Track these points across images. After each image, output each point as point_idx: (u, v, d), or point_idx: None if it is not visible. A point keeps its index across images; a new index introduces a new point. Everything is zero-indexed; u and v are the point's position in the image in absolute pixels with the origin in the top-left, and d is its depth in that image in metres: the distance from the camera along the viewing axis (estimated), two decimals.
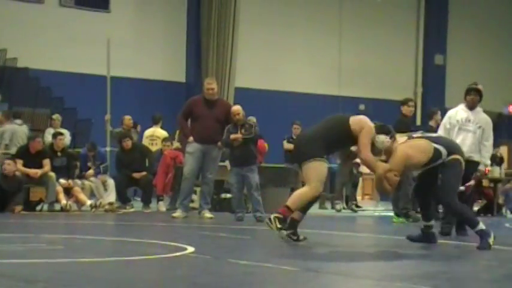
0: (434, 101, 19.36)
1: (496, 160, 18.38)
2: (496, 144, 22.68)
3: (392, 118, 18.19)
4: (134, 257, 6.07)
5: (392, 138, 7.48)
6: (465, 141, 8.87)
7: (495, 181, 15.10)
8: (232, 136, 10.70)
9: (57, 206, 12.39)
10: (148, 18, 19.57)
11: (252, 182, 10.80)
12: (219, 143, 10.99)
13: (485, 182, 15.26)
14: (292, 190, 14.10)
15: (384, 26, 22.13)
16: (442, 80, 22.48)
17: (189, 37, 19.91)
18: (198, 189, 12.06)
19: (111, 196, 12.77)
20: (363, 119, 7.53)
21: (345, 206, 15.19)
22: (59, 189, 12.28)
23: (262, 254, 6.87)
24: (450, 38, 22.88)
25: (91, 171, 12.93)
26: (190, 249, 6.56)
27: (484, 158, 8.97)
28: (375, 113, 20.68)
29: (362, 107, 20.88)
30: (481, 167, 8.99)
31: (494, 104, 23.46)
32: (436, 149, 7.51)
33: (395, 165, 7.36)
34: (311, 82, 21.09)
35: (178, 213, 11.11)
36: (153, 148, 14.43)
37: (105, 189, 12.79)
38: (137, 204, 13.75)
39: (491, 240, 7.44)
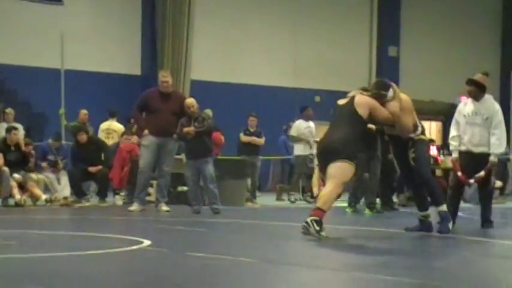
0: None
1: (448, 150, 18.67)
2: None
3: None
4: (90, 251, 6.03)
5: (392, 89, 7.74)
6: (474, 137, 8.78)
7: (448, 170, 15.31)
8: (185, 129, 10.74)
9: (11, 201, 12.25)
10: (102, 10, 19.38)
11: (207, 174, 10.82)
12: (175, 136, 10.99)
13: (438, 172, 15.49)
14: (250, 182, 14.21)
15: (338, 18, 22.25)
16: (395, 71, 22.68)
17: (144, 30, 19.78)
18: (154, 182, 12.02)
19: (65, 190, 12.67)
20: (363, 101, 7.56)
21: (301, 197, 15.29)
22: (13, 184, 12.14)
23: (219, 246, 6.89)
24: (403, 29, 23.10)
25: (44, 164, 12.84)
26: (147, 242, 6.55)
27: (493, 147, 8.68)
28: (330, 104, 20.89)
29: (318, 98, 20.99)
30: (492, 158, 8.71)
31: (446, 94, 23.82)
32: (417, 122, 7.96)
33: (407, 106, 7.78)
34: (267, 74, 21.12)
35: (134, 207, 11.07)
36: (109, 142, 14.33)
37: (59, 183, 12.70)
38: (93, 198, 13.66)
39: (451, 225, 7.69)
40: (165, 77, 11.21)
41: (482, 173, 8.71)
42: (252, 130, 14.71)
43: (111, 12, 19.41)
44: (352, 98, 7.65)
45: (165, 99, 11.03)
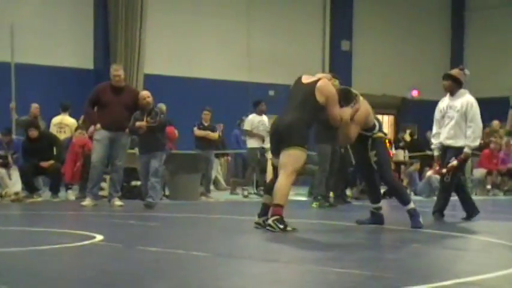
0: (341, 86, 19.65)
1: (400, 143, 18.91)
2: (401, 128, 23.35)
3: None
4: (42, 246, 5.98)
5: (356, 101, 7.86)
6: (445, 129, 8.96)
7: (399, 164, 15.52)
8: (137, 124, 10.75)
9: None
10: (54, 3, 19.13)
11: (152, 167, 10.81)
12: (127, 130, 10.95)
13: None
14: (203, 176, 14.21)
15: (292, 12, 22.32)
16: (348, 66, 22.88)
17: (96, 23, 19.58)
18: (107, 177, 11.95)
19: (16, 186, 12.50)
20: (325, 89, 7.54)
21: (255, 191, 15.33)
22: None
23: (172, 240, 6.89)
24: (356, 24, 23.30)
25: None
26: (100, 237, 6.52)
27: (469, 140, 8.83)
28: (284, 98, 20.95)
29: (272, 92, 21.04)
30: (466, 150, 8.85)
31: (398, 88, 24.12)
32: (374, 122, 8.08)
33: (360, 119, 7.83)
34: (221, 68, 21.11)
35: (87, 202, 10.99)
36: (61, 136, 14.18)
37: (10, 179, 12.54)
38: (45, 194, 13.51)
39: (421, 219, 7.82)
40: (116, 70, 11.14)
41: (454, 162, 8.84)
42: (205, 124, 14.69)
43: (62, 4, 19.18)
44: (317, 80, 7.61)
45: (117, 93, 10.97)
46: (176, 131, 15.23)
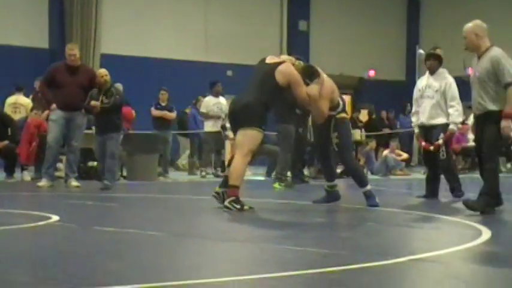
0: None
1: (356, 123, 19.07)
2: (357, 108, 23.53)
3: None
4: None
5: (318, 76, 7.78)
6: (426, 108, 9.03)
7: (356, 144, 15.65)
8: (92, 103, 10.64)
9: None
10: None
11: (108, 149, 10.75)
12: (83, 110, 10.86)
13: None
14: (161, 157, 14.16)
15: None
16: (306, 46, 22.93)
17: (51, 1, 19.32)
18: (63, 157, 11.84)
19: None
20: (287, 72, 7.53)
21: (212, 172, 15.33)
22: None
23: (129, 220, 6.88)
24: (313, 4, 23.35)
25: None
26: (55, 218, 6.47)
27: (452, 117, 8.94)
28: (242, 78, 20.96)
29: (230, 73, 21.01)
30: (451, 126, 8.96)
31: (355, 69, 24.27)
32: (338, 100, 8.07)
33: (327, 93, 7.79)
34: (178, 48, 21.00)
35: (43, 183, 10.89)
36: (16, 116, 14.01)
37: None
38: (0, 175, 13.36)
39: (377, 199, 7.90)
40: (72, 49, 11.02)
41: (440, 141, 8.93)
42: (163, 104, 14.62)
43: None
44: (280, 63, 7.62)
45: (72, 73, 10.85)
46: (133, 111, 15.13)
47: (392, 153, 16.78)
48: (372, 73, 24.70)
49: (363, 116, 21.51)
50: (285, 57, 7.99)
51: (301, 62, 7.96)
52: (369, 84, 24.54)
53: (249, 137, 7.40)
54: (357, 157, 15.49)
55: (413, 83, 19.49)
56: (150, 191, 10.92)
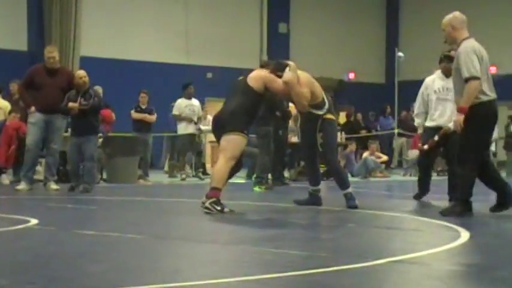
0: None
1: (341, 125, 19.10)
2: (337, 110, 23.59)
3: None
4: None
5: (288, 67, 7.77)
6: (445, 112, 8.83)
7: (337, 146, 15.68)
8: (70, 104, 10.55)
9: None
10: None
11: (87, 152, 10.67)
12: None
13: None
14: (141, 159, 14.11)
15: None
16: (286, 48, 22.98)
17: (30, 3, 19.20)
18: (43, 160, 11.77)
19: None
20: (257, 76, 7.60)
21: (193, 174, 15.30)
22: None
23: (109, 223, 6.85)
24: (293, 6, 23.40)
25: None
26: (34, 221, 6.43)
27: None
28: (222, 81, 20.95)
29: (210, 75, 21.00)
30: (450, 124, 8.47)
31: (335, 71, 24.34)
32: (323, 98, 7.98)
33: (304, 81, 7.77)
34: (159, 51, 20.96)
35: (22, 186, 10.81)
36: None
37: None
38: None
39: (357, 202, 8.00)
40: (50, 52, 10.97)
41: (436, 138, 8.79)
42: (143, 107, 14.57)
43: None
44: (249, 72, 7.75)
45: (51, 75, 10.79)
46: (113, 114, 15.07)
47: (372, 155, 16.84)
48: (351, 75, 24.80)
49: (342, 118, 21.57)
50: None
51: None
52: (349, 86, 24.62)
53: (232, 142, 7.43)
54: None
55: (393, 86, 19.77)
56: (130, 193, 10.88)
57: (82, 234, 5.78)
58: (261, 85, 7.58)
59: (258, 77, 7.64)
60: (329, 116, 8.07)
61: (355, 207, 7.93)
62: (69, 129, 11.25)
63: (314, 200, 8.33)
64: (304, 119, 8.22)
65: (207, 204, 7.33)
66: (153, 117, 14.57)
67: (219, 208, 7.28)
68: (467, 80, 6.95)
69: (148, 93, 14.89)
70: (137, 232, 5.88)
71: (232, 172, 7.72)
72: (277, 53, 22.65)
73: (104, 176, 13.55)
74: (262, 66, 8.14)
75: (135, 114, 14.46)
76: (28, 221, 6.41)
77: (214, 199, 7.32)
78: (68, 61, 18.69)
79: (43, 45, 18.09)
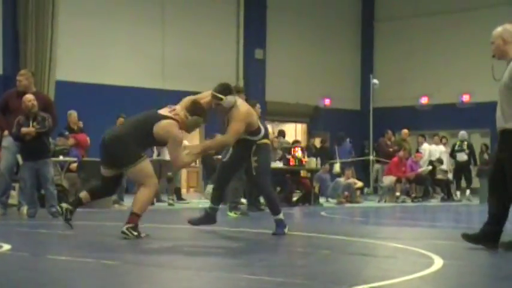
0: (254, 94, 19.83)
1: (312, 151, 19.20)
2: (312, 136, 23.69)
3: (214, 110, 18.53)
4: None
5: (232, 96, 7.81)
6: None
7: (312, 171, 15.74)
8: (24, 130, 10.42)
9: None
10: None
11: (47, 175, 10.59)
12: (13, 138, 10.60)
13: (303, 173, 15.89)
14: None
15: (206, 19, 22.35)
16: (262, 74, 23.08)
17: (5, 27, 19.11)
18: (16, 184, 11.67)
19: None
20: (168, 128, 7.47)
21: (167, 200, 15.22)
22: None
23: (82, 249, 6.80)
24: (269, 32, 23.53)
25: None
26: (7, 246, 6.37)
27: None
28: None
29: None
30: None
31: (311, 97, 24.48)
32: (259, 126, 8.03)
33: (240, 121, 7.73)
34: (135, 75, 20.94)
35: None
36: None
37: None
38: None
39: (286, 229, 7.93)
40: (20, 75, 10.98)
41: None
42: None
43: None
44: (166, 116, 7.54)
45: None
46: (88, 138, 15.01)
47: (348, 181, 16.92)
48: (327, 101, 24.94)
49: (316, 143, 21.65)
50: (179, 108, 7.86)
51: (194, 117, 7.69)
52: (324, 112, 24.75)
53: (139, 171, 7.45)
54: (312, 185, 15.57)
55: (368, 112, 19.90)
56: (105, 218, 10.81)
57: (55, 260, 5.74)
58: (163, 137, 7.45)
59: (165, 130, 7.42)
60: (264, 140, 8.05)
61: (282, 234, 7.88)
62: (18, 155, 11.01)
63: (207, 219, 8.28)
64: (239, 145, 8.06)
65: (124, 229, 7.40)
66: None
67: (135, 233, 7.36)
68: None
69: (126, 117, 14.85)
70: (111, 258, 5.84)
71: (97, 195, 8.03)
72: (253, 78, 22.79)
73: None
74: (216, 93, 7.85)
75: None
76: (1, 246, 6.35)
77: (132, 225, 7.41)
78: (44, 85, 18.60)
79: (18, 69, 18.00)
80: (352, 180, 17.09)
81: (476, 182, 19.39)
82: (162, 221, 8.09)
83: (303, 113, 24.63)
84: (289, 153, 15.19)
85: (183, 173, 17.74)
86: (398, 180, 17.87)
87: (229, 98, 7.78)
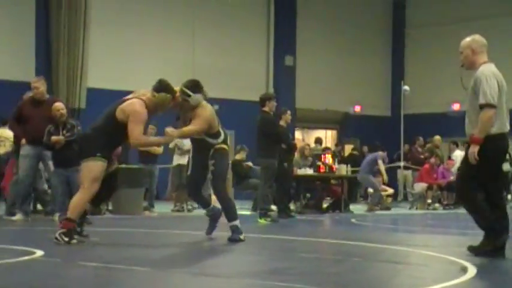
0: (284, 101, 19.77)
1: (341, 158, 19.11)
2: (342, 143, 23.58)
3: (244, 118, 18.58)
4: None
5: (201, 95, 7.86)
6: None
7: (342, 178, 15.66)
8: (54, 138, 10.50)
9: None
10: None
11: (77, 183, 10.63)
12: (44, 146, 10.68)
13: (333, 181, 15.82)
14: (147, 190, 14.10)
15: (236, 27, 22.39)
16: (292, 81, 23.04)
17: (38, 35, 19.31)
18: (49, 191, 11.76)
19: None
20: (130, 106, 7.53)
21: (189, 207, 15.11)
22: None
23: (112, 255, 6.82)
24: (299, 39, 23.48)
25: None
26: (40, 252, 6.42)
27: None
28: (228, 113, 20.96)
29: (216, 107, 20.89)
30: None
31: (340, 104, 24.39)
32: (219, 130, 8.02)
33: (205, 121, 7.76)
34: None
35: (17, 217, 10.86)
36: (1, 150, 13.92)
37: None
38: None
39: (242, 236, 7.88)
40: (34, 82, 11.08)
41: None
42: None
43: (3, 16, 18.89)
44: (127, 99, 7.67)
45: (37, 106, 10.82)
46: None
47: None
48: (357, 108, 24.84)
49: (347, 151, 21.55)
50: (144, 91, 7.92)
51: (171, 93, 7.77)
52: (354, 119, 24.64)
53: (85, 170, 7.50)
54: (342, 192, 15.46)
55: (399, 119, 19.77)
56: (136, 225, 10.85)
57: (86, 267, 5.77)
58: (125, 117, 7.45)
59: (127, 110, 7.48)
60: (222, 145, 8.02)
61: (237, 240, 7.82)
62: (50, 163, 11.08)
63: (214, 218, 8.27)
64: (198, 146, 8.13)
65: (56, 235, 7.39)
66: (159, 149, 14.57)
67: (66, 239, 7.33)
68: (482, 107, 6.54)
69: (156, 126, 14.89)
70: (141, 264, 5.85)
71: (101, 197, 7.84)
72: (283, 85, 22.76)
73: (110, 206, 13.54)
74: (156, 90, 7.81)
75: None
76: (33, 253, 6.40)
77: (64, 230, 7.40)
78: (75, 92, 18.78)
79: (50, 77, 18.19)
80: (382, 187, 16.98)
81: None
82: (194, 227, 8.09)
83: (332, 119, 24.54)
84: (320, 160, 15.15)
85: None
86: (430, 187, 17.71)
87: (197, 96, 7.83)
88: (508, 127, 6.80)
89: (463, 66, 6.91)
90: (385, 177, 16.45)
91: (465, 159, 6.77)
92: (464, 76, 6.93)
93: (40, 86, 10.97)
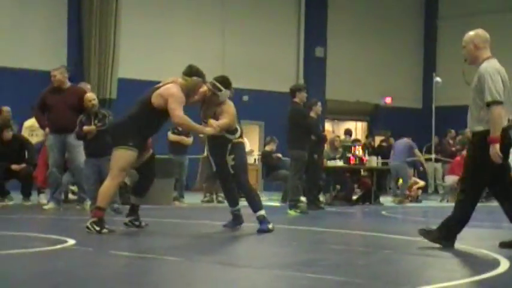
0: (314, 92, 19.71)
1: (369, 150, 19.01)
2: (372, 135, 23.44)
3: (274, 109, 18.57)
4: (13, 250, 5.94)
5: (230, 92, 8.00)
6: None
7: (372, 170, 15.60)
8: (86, 128, 10.54)
9: None
10: (27, 7, 19.01)
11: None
12: (74, 135, 10.72)
13: (363, 172, 15.76)
14: (177, 181, 14.16)
15: (266, 18, 22.35)
16: (322, 72, 22.96)
17: (70, 25, 19.45)
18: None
19: None
20: (166, 90, 7.57)
21: (216, 198, 15.13)
22: None
23: (144, 245, 6.87)
24: (330, 31, 23.38)
25: None
26: (71, 241, 6.48)
27: None
28: (258, 104, 20.98)
29: (246, 98, 21.02)
30: None
31: (371, 95, 24.27)
32: (237, 126, 8.12)
33: (233, 116, 7.92)
34: None
35: (50, 206, 10.96)
36: (34, 139, 14.04)
37: None
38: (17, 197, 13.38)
39: (270, 226, 7.87)
40: (55, 70, 11.12)
41: None
42: (180, 129, 14.62)
43: (35, 8, 19.05)
44: (163, 85, 7.72)
45: (58, 95, 10.85)
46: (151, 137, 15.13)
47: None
48: (388, 100, 24.68)
49: (377, 142, 21.42)
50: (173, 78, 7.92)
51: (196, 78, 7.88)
52: (385, 111, 24.51)
53: (114, 158, 7.55)
54: (372, 184, 15.38)
55: (430, 111, 19.61)
56: (166, 215, 10.91)
57: (118, 256, 5.81)
58: (163, 102, 7.49)
59: (165, 93, 7.54)
60: (240, 139, 8.14)
61: (266, 231, 7.81)
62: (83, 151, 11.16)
63: (236, 220, 8.31)
64: (215, 142, 8.18)
65: (87, 224, 7.41)
66: (189, 140, 14.62)
67: (98, 229, 7.36)
68: (489, 105, 6.55)
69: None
70: (172, 254, 5.88)
71: (143, 186, 7.98)
72: (313, 76, 22.69)
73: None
74: (186, 74, 7.95)
75: (171, 136, 14.53)
76: (65, 241, 6.46)
77: (95, 219, 7.43)
78: (106, 83, 18.90)
79: (82, 67, 18.32)
80: (413, 179, 16.88)
81: None
82: (223, 219, 8.11)
83: (363, 111, 24.42)
84: (350, 151, 15.09)
85: None
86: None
87: (227, 92, 7.97)
88: (507, 121, 6.76)
89: (465, 61, 6.96)
90: (424, 163, 16.57)
91: (465, 159, 6.94)
92: (467, 73, 7.07)
93: (57, 74, 11.00)
